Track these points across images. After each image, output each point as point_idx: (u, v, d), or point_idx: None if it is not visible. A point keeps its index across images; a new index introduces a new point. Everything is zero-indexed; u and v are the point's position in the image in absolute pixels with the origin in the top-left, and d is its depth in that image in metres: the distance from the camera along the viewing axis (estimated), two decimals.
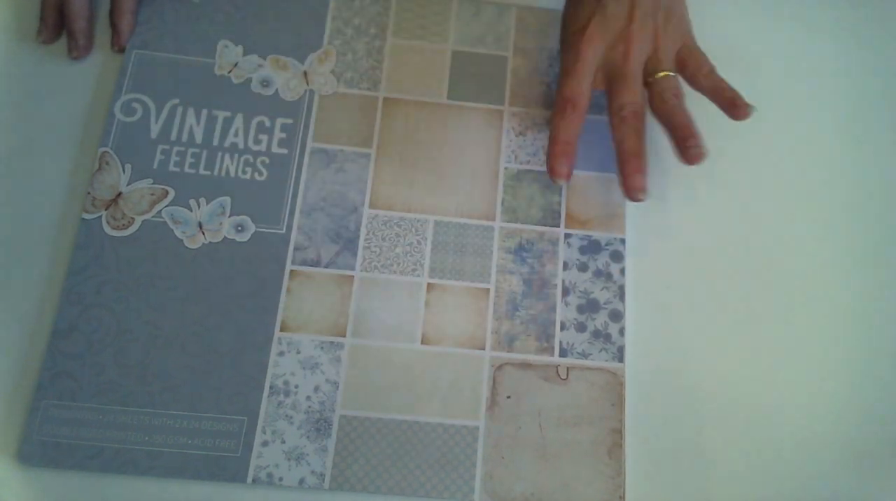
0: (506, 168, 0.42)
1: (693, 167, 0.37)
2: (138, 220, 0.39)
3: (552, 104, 0.43)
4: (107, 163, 0.40)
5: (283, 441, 0.36)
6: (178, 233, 0.39)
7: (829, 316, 0.41)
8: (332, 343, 0.38)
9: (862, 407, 0.39)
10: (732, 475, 0.37)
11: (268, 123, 0.41)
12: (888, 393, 0.39)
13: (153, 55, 0.42)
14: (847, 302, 0.41)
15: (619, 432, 0.37)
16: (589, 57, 0.39)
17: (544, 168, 0.42)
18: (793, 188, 0.43)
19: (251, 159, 0.41)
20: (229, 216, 0.40)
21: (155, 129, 0.41)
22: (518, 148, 0.42)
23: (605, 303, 0.40)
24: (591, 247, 0.41)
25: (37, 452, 0.35)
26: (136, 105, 0.41)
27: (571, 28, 0.41)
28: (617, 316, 0.40)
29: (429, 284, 0.39)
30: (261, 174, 0.41)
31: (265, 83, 0.42)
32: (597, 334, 0.39)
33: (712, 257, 0.41)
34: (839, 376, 0.40)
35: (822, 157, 0.44)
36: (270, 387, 0.37)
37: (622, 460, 0.37)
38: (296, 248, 0.39)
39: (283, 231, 0.40)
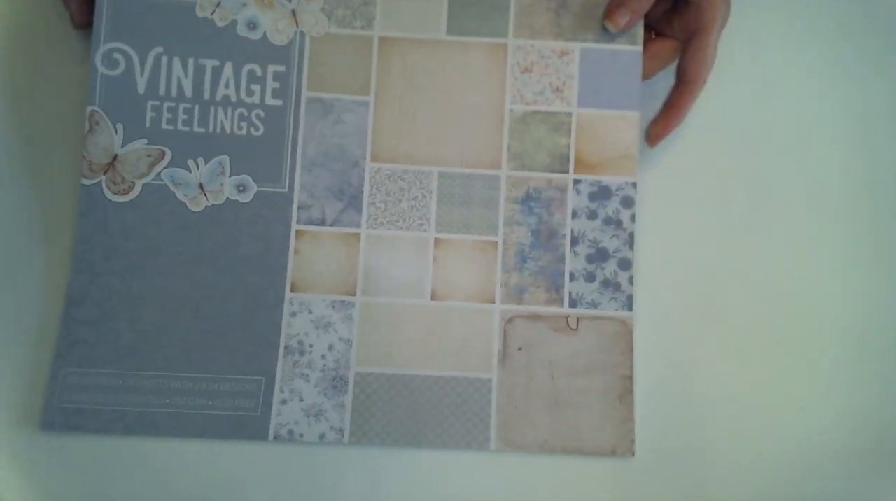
0: (511, 110, 0.40)
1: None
2: (138, 184, 0.38)
3: (560, 34, 0.41)
4: (97, 124, 0.38)
5: (301, 399, 0.37)
6: (179, 196, 0.38)
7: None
8: (342, 301, 0.38)
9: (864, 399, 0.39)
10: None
11: (259, 72, 0.39)
12: (890, 392, 0.39)
13: None
14: (850, 289, 0.40)
15: (629, 379, 0.38)
16: None
17: (552, 108, 0.40)
18: (799, 176, 0.42)
19: (245, 113, 0.39)
20: (229, 176, 0.39)
21: (141, 83, 0.39)
22: (523, 86, 0.40)
23: (614, 252, 0.39)
24: (601, 194, 0.40)
25: (59, 418, 0.36)
26: (117, 56, 0.39)
27: None
28: (626, 264, 0.39)
29: (436, 239, 0.39)
30: (257, 129, 0.39)
31: (251, 25, 0.40)
32: (606, 284, 0.39)
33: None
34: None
35: (826, 155, 0.42)
36: (285, 347, 0.37)
37: (632, 405, 0.37)
38: (300, 207, 0.39)
39: (286, 189, 0.39)
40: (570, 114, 0.40)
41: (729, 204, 0.41)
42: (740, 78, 0.42)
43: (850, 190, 0.41)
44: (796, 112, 0.42)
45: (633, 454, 0.37)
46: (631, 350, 0.38)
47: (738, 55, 0.42)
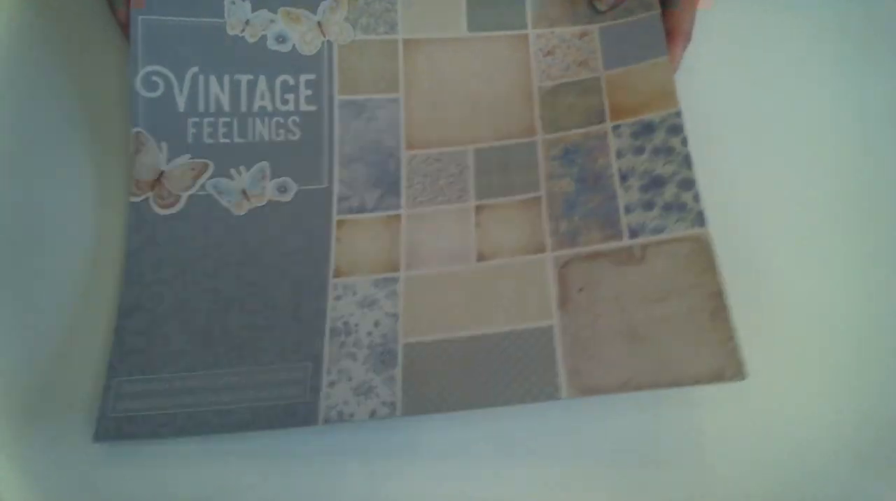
0: (539, 87, 0.40)
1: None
2: (184, 196, 0.39)
3: (576, 21, 0.41)
4: (143, 144, 0.40)
5: (350, 379, 0.34)
6: (223, 203, 0.39)
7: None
8: (386, 279, 0.36)
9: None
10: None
11: (292, 82, 0.41)
12: (890, 392, 0.36)
13: (160, 20, 0.41)
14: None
15: (718, 295, 0.33)
16: None
17: (580, 77, 0.40)
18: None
19: (282, 120, 0.41)
20: (271, 180, 0.39)
21: (181, 102, 0.41)
22: (549, 66, 0.40)
23: (671, 176, 0.36)
24: (644, 130, 0.37)
25: (111, 428, 0.34)
26: (156, 79, 0.41)
27: None
28: (687, 184, 0.36)
29: (477, 206, 0.37)
30: (293, 134, 0.40)
31: (281, 39, 0.42)
32: (668, 207, 0.35)
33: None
34: None
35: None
36: (331, 330, 0.35)
37: (730, 323, 0.32)
38: (339, 199, 0.39)
39: (326, 185, 0.39)
40: (598, 79, 0.39)
41: (726, 206, 0.38)
42: (740, 77, 0.42)
43: (849, 189, 0.40)
44: (795, 112, 0.41)
45: (745, 377, 0.31)
46: (714, 266, 0.33)
47: (737, 54, 0.43)
